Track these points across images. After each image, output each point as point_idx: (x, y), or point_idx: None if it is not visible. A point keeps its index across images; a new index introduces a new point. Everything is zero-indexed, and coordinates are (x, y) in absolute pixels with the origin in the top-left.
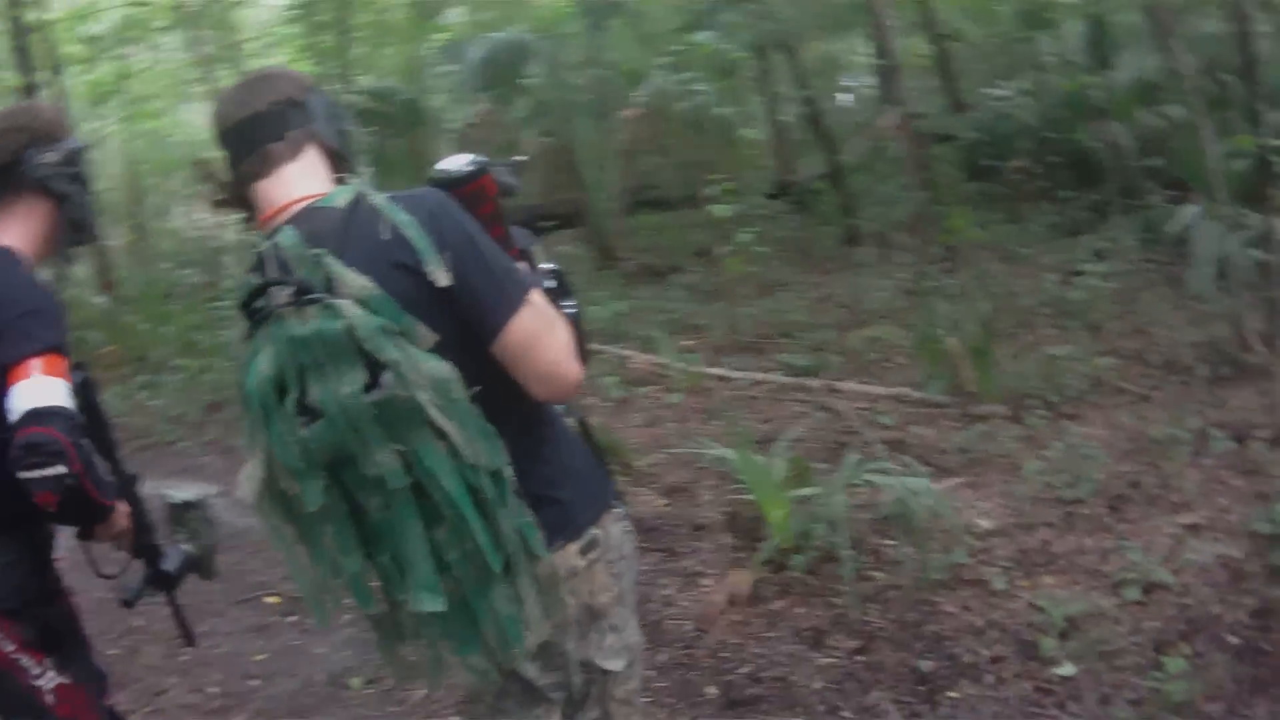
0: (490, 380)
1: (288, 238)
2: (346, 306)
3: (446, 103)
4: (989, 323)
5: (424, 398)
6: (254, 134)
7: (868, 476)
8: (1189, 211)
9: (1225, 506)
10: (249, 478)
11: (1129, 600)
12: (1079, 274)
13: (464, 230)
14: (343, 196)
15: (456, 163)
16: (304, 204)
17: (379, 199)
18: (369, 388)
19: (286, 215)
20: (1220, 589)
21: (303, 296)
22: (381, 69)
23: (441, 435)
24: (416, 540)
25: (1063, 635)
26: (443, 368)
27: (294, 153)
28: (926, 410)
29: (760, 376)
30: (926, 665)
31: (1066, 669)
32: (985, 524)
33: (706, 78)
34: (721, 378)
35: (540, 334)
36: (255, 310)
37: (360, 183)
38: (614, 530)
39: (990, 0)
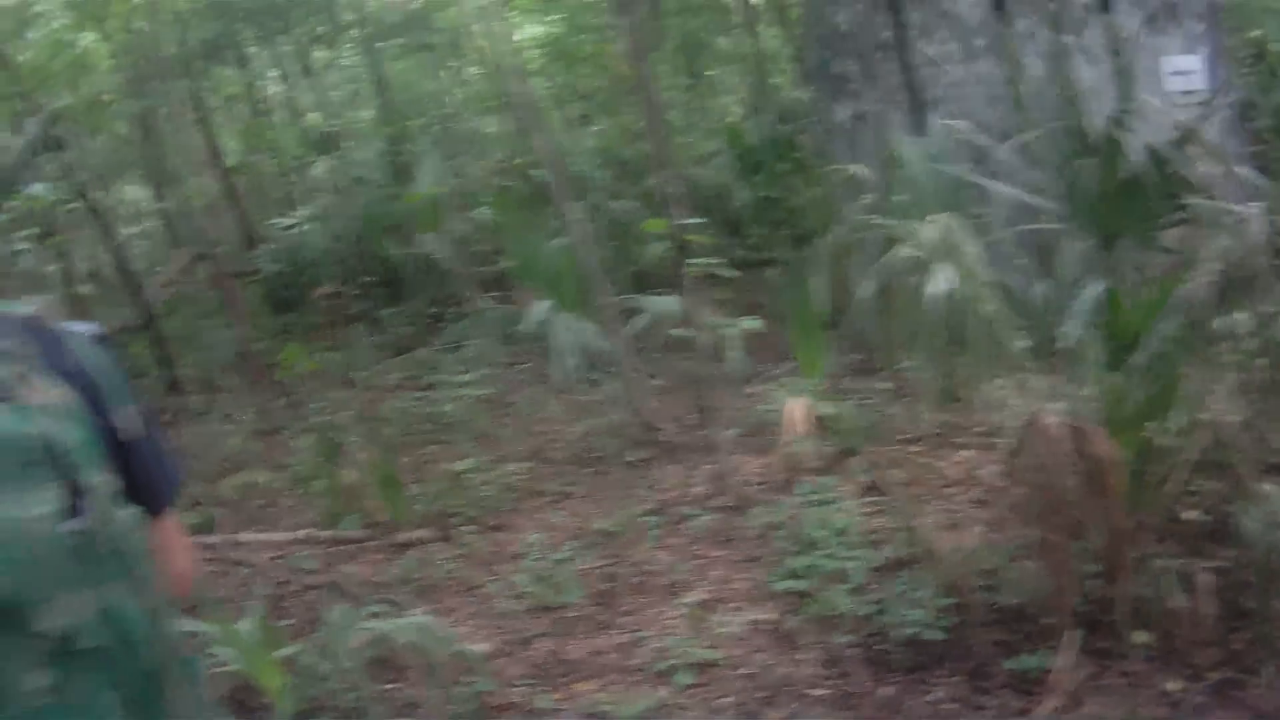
0: None
1: None
2: (40, 410)
3: None
4: (391, 448)
5: (125, 543)
6: None
7: (368, 624)
8: (540, 308)
9: (723, 577)
10: None
11: (685, 685)
12: (431, 388)
13: (133, 391)
14: (19, 309)
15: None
16: None
17: (60, 324)
18: (67, 516)
19: None
20: (775, 651)
21: None
22: None
23: (140, 592)
24: None
25: None
26: (133, 514)
27: None
28: (344, 548)
29: None
30: None
31: None
32: (480, 648)
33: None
34: None
35: (182, 532)
36: None
37: (39, 303)
38: None
39: (271, 129)
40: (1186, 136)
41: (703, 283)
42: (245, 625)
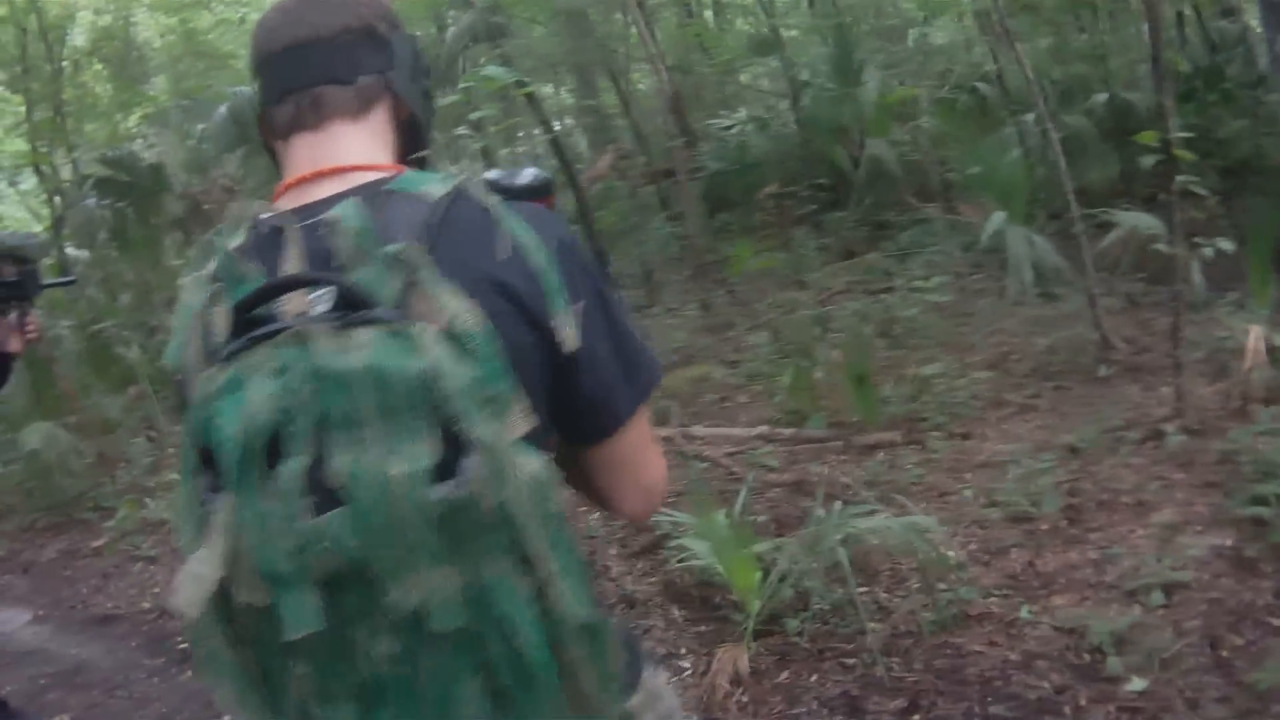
0: None
1: (352, 216)
2: (429, 339)
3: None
4: (864, 347)
5: (520, 509)
6: (310, 65)
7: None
8: (996, 219)
9: (1186, 500)
10: (194, 576)
11: (1155, 605)
12: (886, 292)
13: (597, 280)
14: (436, 184)
15: (516, 174)
16: (364, 179)
17: (493, 201)
18: (439, 475)
19: (332, 188)
20: (1238, 577)
21: (352, 310)
22: (96, 141)
23: (527, 567)
24: (465, 711)
25: (1115, 653)
26: (541, 468)
27: (360, 106)
28: (807, 447)
29: None
30: (996, 710)
31: (1137, 684)
32: (952, 555)
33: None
34: None
35: (653, 434)
36: (251, 321)
37: (464, 172)
38: (658, 680)
39: (708, 30)
40: None
41: (1183, 201)
42: (716, 520)
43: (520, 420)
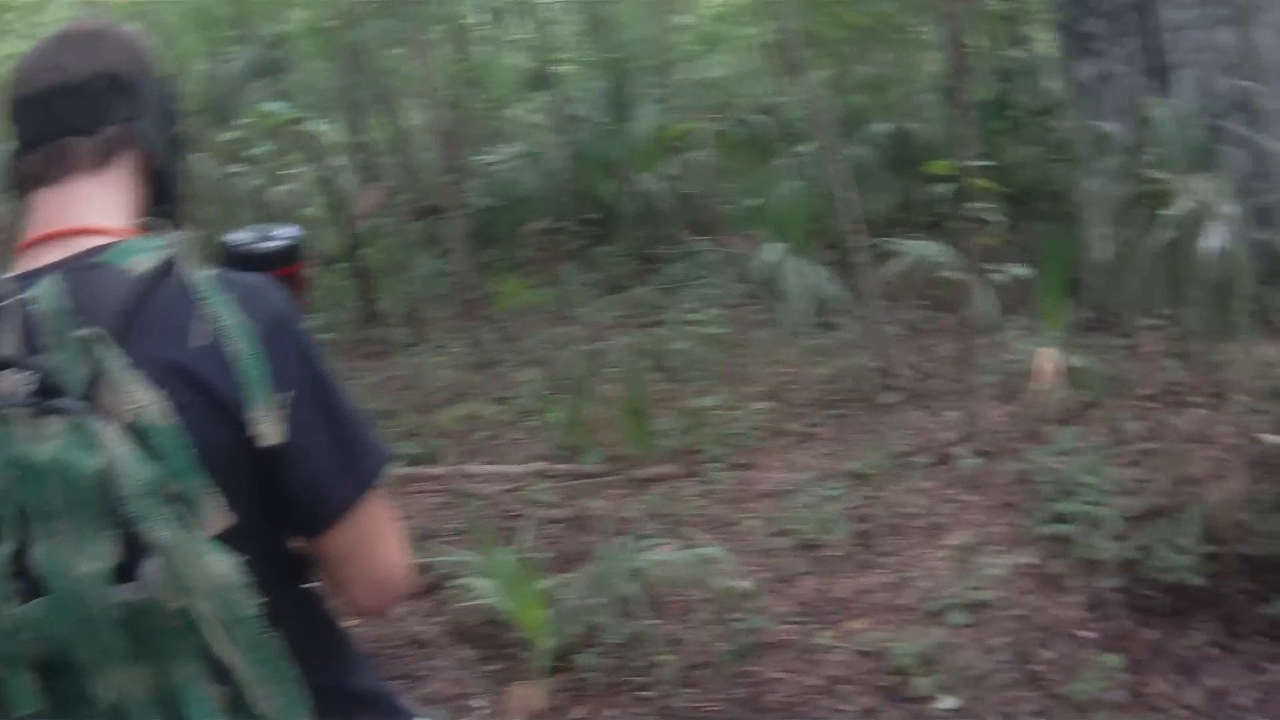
0: (272, 582)
1: (48, 296)
2: (109, 435)
3: None
4: (638, 380)
5: (204, 612)
6: (56, 115)
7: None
8: (771, 250)
9: (981, 521)
10: None
11: (959, 625)
12: (656, 325)
13: (313, 361)
14: (142, 257)
15: (267, 235)
16: (83, 246)
17: (201, 276)
18: (122, 574)
19: (53, 254)
20: (1044, 594)
21: (45, 396)
22: None
23: (218, 673)
24: None
25: (922, 673)
26: (231, 569)
27: (102, 159)
28: (583, 482)
29: None
30: None
31: (948, 702)
32: (743, 585)
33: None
34: None
35: (387, 524)
36: None
37: (177, 241)
38: None
39: (481, 65)
40: None
41: (973, 227)
42: (501, 557)
43: (214, 519)
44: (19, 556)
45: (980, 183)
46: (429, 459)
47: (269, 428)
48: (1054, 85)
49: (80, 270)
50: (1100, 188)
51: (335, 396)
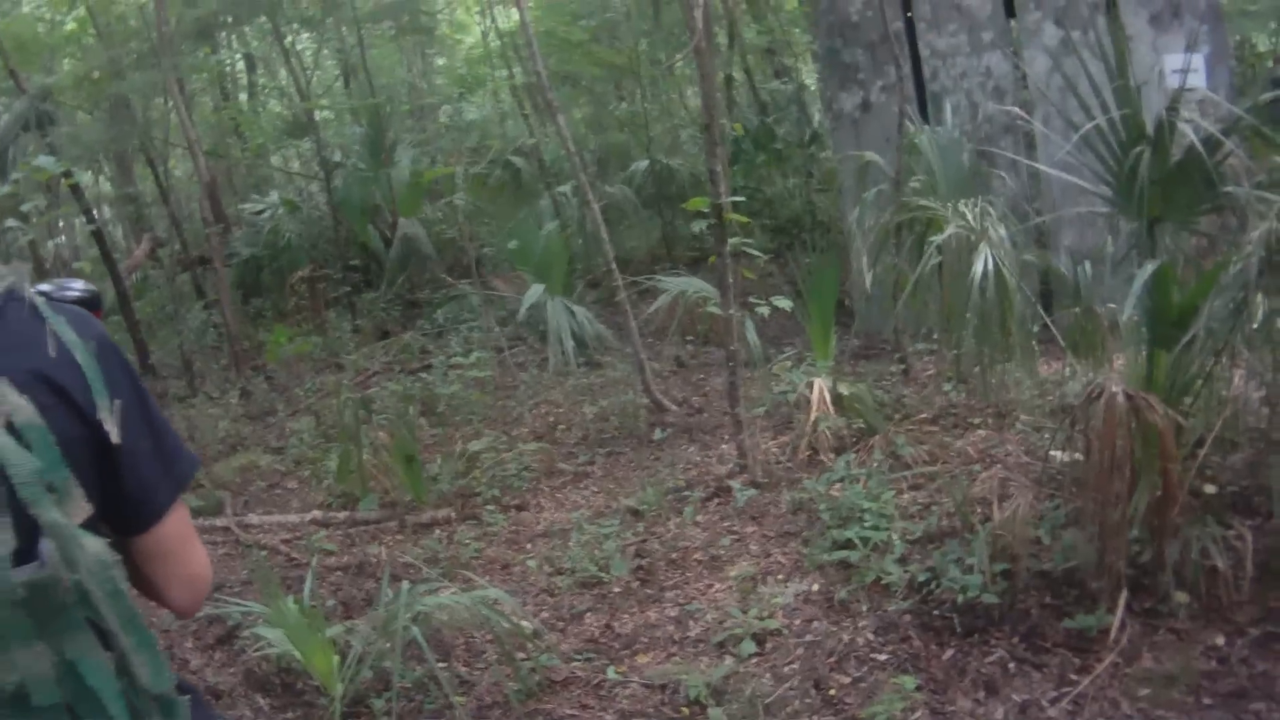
0: None
1: None
2: None
3: None
4: (410, 427)
5: (93, 586)
6: None
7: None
8: (534, 292)
9: (762, 551)
10: None
11: (748, 655)
12: (424, 370)
13: (133, 377)
14: None
15: (65, 286)
16: None
17: (40, 301)
18: (19, 558)
19: None
20: (832, 619)
21: None
22: None
23: (106, 643)
24: None
25: (715, 703)
26: (105, 549)
27: None
28: (362, 529)
29: None
30: None
31: None
32: (528, 625)
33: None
34: None
35: (193, 529)
36: None
37: (15, 270)
38: None
39: (244, 113)
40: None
41: (735, 261)
42: (287, 607)
43: (80, 507)
44: None
45: (736, 218)
46: (212, 510)
47: (113, 427)
48: (817, 116)
49: None
50: (864, 217)
51: (152, 408)
